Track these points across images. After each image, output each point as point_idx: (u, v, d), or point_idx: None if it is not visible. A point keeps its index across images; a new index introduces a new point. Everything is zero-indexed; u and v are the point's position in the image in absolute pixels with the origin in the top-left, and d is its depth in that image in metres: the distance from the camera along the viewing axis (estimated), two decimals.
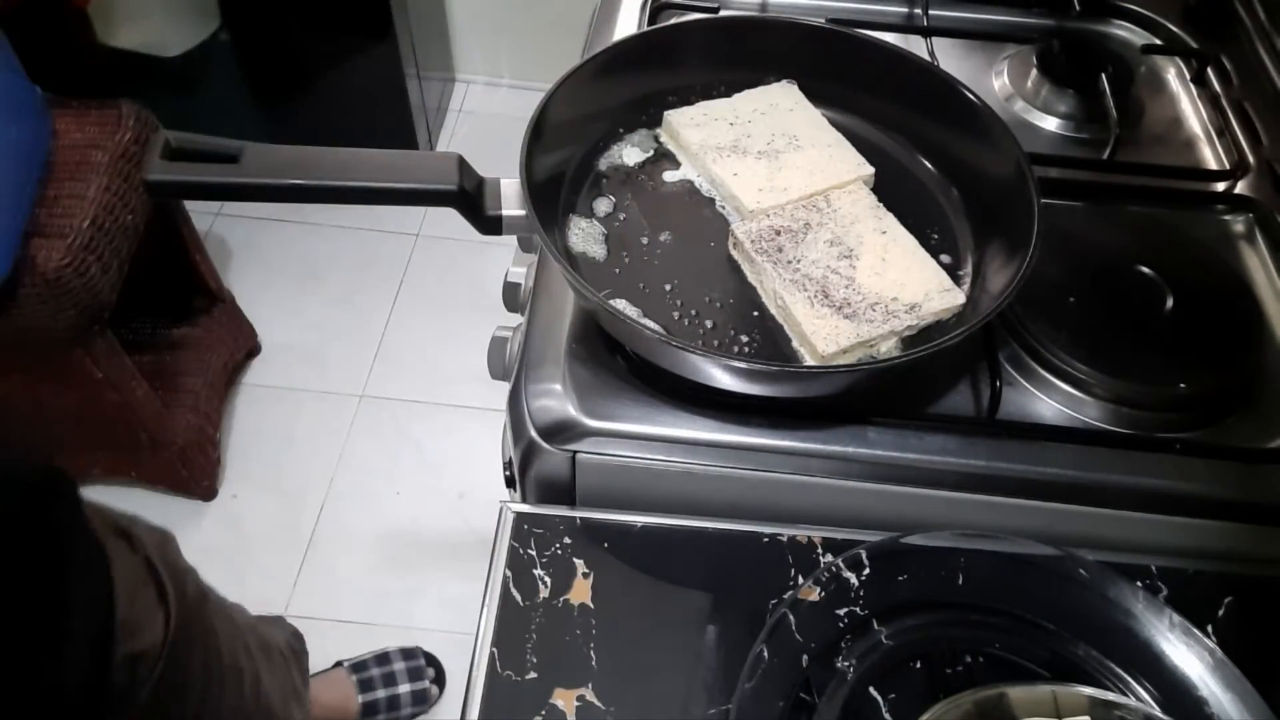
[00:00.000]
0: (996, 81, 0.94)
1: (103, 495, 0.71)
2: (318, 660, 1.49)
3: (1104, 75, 0.90)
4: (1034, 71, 0.92)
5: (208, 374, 1.64)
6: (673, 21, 0.93)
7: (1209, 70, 0.95)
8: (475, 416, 1.75)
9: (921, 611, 0.62)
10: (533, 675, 0.60)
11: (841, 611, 0.61)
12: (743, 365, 0.63)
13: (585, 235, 0.73)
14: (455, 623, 1.52)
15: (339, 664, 1.45)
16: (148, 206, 1.36)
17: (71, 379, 1.35)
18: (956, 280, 0.71)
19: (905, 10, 0.99)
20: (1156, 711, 0.55)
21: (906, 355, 0.66)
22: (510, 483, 0.74)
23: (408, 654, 1.46)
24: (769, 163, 0.76)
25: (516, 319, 0.79)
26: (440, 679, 1.47)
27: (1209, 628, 0.62)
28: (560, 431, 0.66)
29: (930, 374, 0.70)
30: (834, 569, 0.61)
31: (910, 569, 0.63)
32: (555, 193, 0.74)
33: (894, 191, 0.76)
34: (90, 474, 1.56)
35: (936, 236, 0.75)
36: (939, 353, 0.62)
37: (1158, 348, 0.71)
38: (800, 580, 0.63)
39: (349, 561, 1.60)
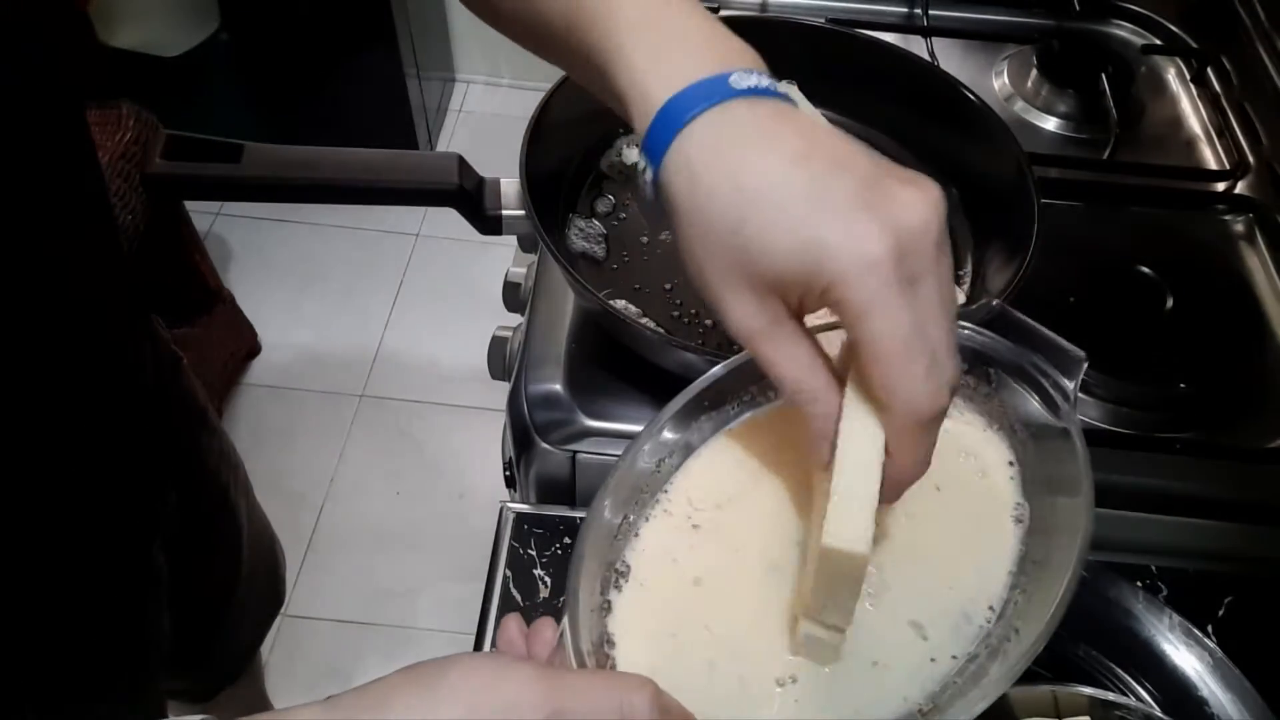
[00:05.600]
0: (996, 81, 0.94)
1: None
2: (315, 662, 1.50)
3: (1104, 75, 0.90)
4: (1034, 71, 0.92)
5: (207, 374, 1.64)
6: None
7: (1209, 70, 0.95)
8: (475, 416, 1.75)
9: None
10: None
11: None
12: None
13: (585, 235, 0.73)
14: (455, 623, 1.52)
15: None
16: (147, 207, 1.36)
17: None
18: (956, 280, 0.71)
19: (905, 10, 0.99)
20: (1156, 711, 0.55)
21: None
22: (510, 483, 0.74)
23: None
24: None
25: (516, 319, 0.79)
26: None
27: (1209, 628, 0.62)
28: (560, 431, 0.66)
29: None
30: None
31: None
32: (555, 193, 0.74)
33: None
34: None
35: None
36: None
37: (1158, 348, 0.71)
38: None
39: (349, 561, 1.60)
